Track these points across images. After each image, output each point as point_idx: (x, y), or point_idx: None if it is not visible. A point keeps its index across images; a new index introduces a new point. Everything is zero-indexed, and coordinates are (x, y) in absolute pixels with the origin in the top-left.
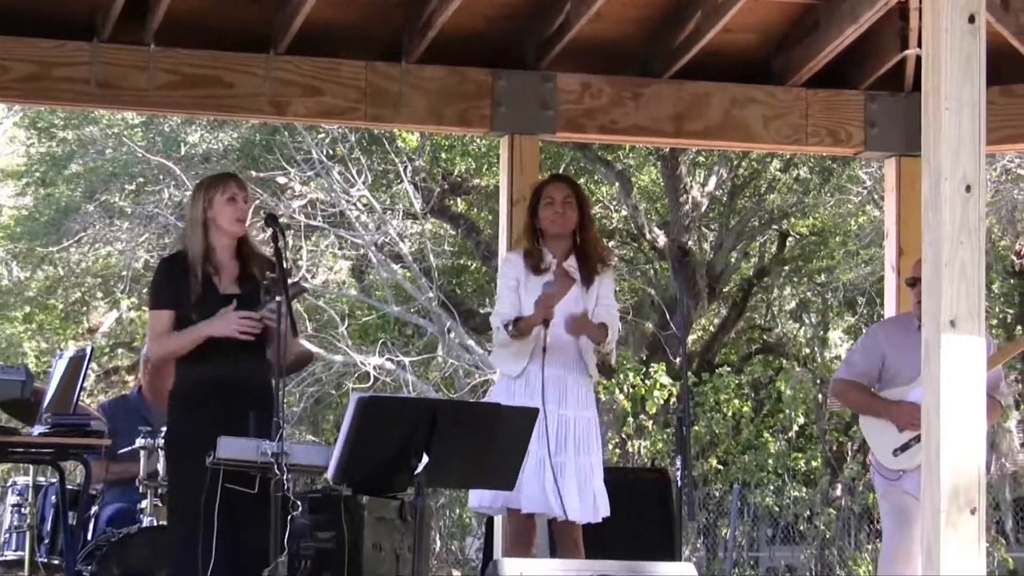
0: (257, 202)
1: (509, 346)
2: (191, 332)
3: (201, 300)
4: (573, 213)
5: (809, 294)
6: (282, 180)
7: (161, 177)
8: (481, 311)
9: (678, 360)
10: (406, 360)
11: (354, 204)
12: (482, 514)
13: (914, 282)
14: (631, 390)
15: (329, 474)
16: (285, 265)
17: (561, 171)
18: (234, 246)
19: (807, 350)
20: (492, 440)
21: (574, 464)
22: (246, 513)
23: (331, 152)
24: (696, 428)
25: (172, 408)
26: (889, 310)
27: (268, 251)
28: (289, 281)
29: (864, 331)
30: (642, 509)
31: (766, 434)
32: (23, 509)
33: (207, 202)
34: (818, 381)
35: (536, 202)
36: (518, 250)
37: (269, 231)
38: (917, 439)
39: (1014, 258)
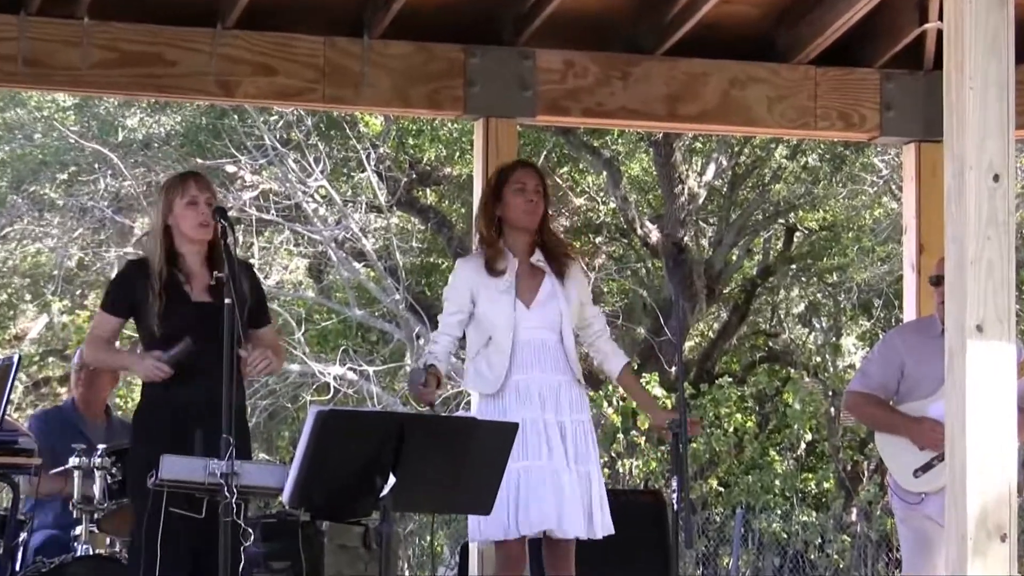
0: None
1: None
2: (118, 358)
3: (168, 310)
4: (543, 205)
5: (819, 296)
6: (231, 169)
7: (96, 166)
8: None
9: (673, 370)
10: (370, 370)
11: (311, 196)
12: (455, 542)
13: (938, 281)
14: (621, 403)
15: (284, 497)
16: (235, 264)
17: (542, 159)
18: (204, 252)
19: (817, 358)
20: (467, 458)
21: (573, 473)
22: (197, 541)
23: (285, 138)
24: (694, 445)
25: (135, 435)
26: (909, 313)
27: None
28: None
29: (880, 337)
30: (635, 535)
31: (772, 452)
32: None
33: (167, 207)
34: (830, 393)
35: (500, 188)
36: (473, 256)
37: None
38: (940, 458)
39: None
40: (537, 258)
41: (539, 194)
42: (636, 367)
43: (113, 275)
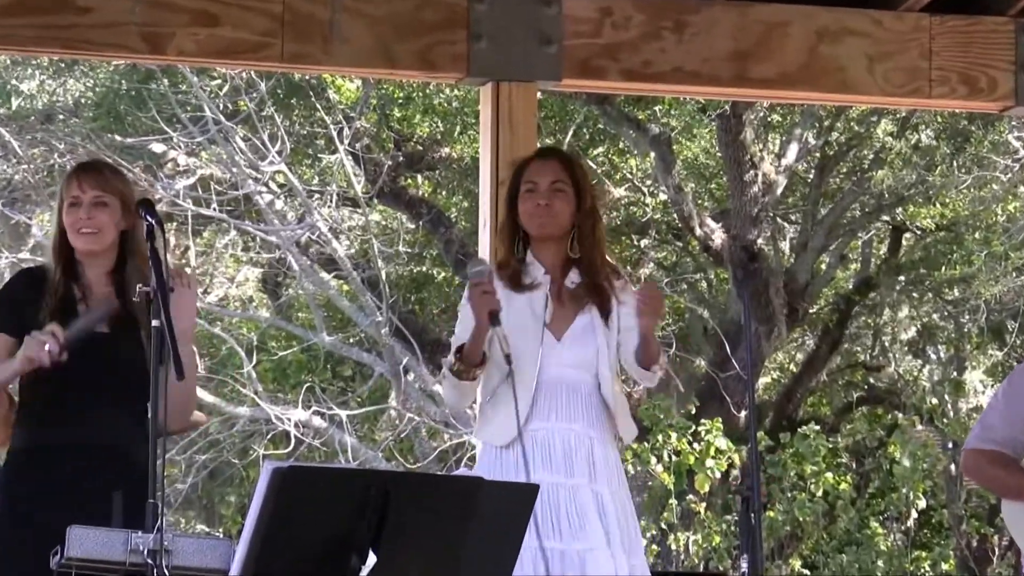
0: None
1: (463, 394)
2: (5, 369)
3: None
4: (565, 205)
5: (936, 317)
6: (159, 148)
7: None
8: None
9: (743, 415)
10: (343, 414)
11: (265, 184)
12: None
13: None
14: (673, 459)
15: None
16: (165, 273)
17: (570, 136)
18: (109, 262)
19: (933, 399)
20: (470, 532)
21: (622, 566)
22: None
23: (231, 109)
24: (770, 514)
25: (3, 477)
26: None
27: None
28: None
29: (1012, 372)
30: None
31: (874, 523)
32: None
33: (59, 205)
34: (949, 445)
35: (516, 188)
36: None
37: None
38: None
39: None
40: (573, 279)
41: (556, 192)
42: (694, 411)
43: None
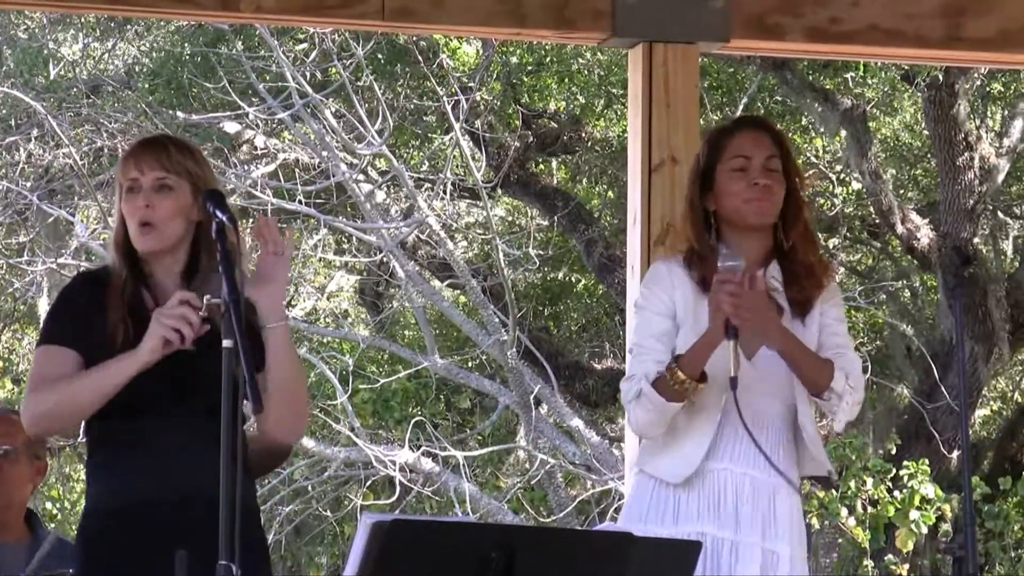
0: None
1: (664, 416)
2: (100, 377)
3: (128, 345)
4: (781, 188)
5: None
6: (231, 128)
7: (14, 122)
8: (598, 366)
9: (955, 455)
10: (459, 455)
11: (363, 171)
12: None
13: None
14: (869, 510)
15: None
16: (239, 280)
17: (740, 110)
18: (182, 261)
19: None
20: None
21: None
22: None
23: (320, 78)
24: None
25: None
26: None
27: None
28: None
29: None
30: None
31: None
32: None
33: (119, 191)
34: None
35: (712, 165)
36: (674, 257)
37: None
38: None
39: None
40: (772, 274)
41: (773, 174)
42: (894, 450)
43: (56, 295)
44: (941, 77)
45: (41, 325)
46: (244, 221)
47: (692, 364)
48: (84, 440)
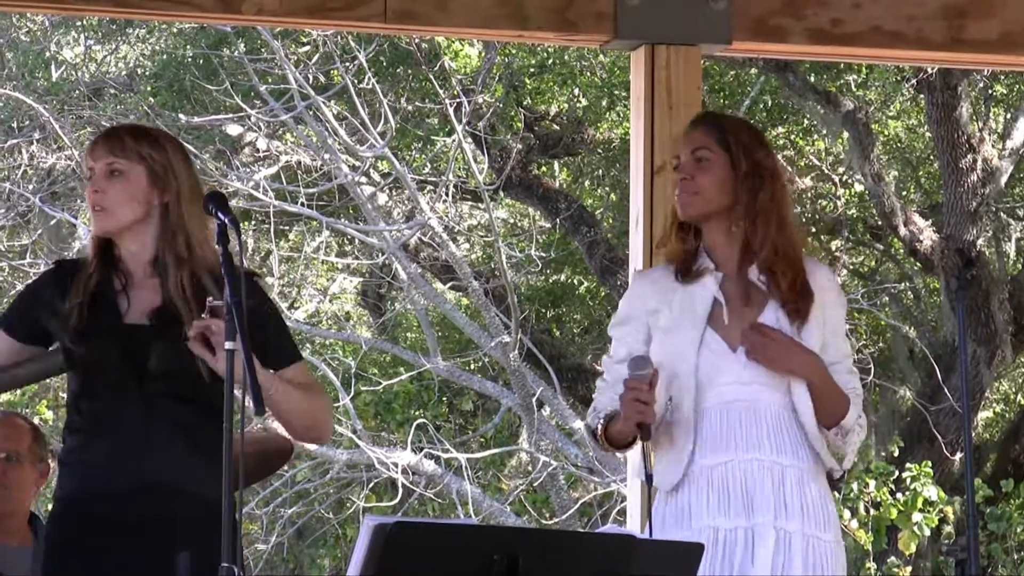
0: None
1: (605, 455)
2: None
3: (87, 329)
4: (711, 176)
5: None
6: (234, 130)
7: (15, 125)
8: (601, 368)
9: (958, 457)
10: (461, 457)
11: (365, 173)
12: None
13: None
14: (871, 512)
15: None
16: (241, 284)
17: (742, 112)
18: (147, 251)
19: None
20: None
21: None
22: None
23: (322, 81)
24: None
25: (48, 544)
26: None
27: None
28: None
29: None
30: None
31: None
32: None
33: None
34: None
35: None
36: (659, 267)
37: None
38: None
39: None
40: (756, 274)
41: (700, 163)
42: (896, 453)
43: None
44: (942, 79)
45: None
46: (246, 223)
47: (614, 440)
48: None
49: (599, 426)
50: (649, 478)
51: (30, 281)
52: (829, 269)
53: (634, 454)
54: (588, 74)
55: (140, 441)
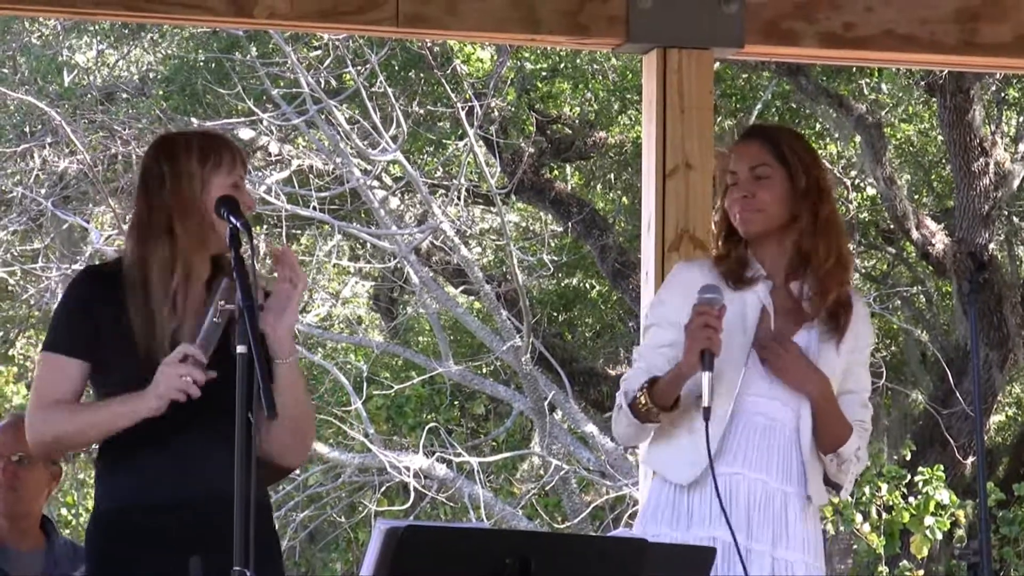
0: None
1: (640, 433)
2: (105, 414)
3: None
4: (772, 193)
5: None
6: (245, 134)
7: (27, 129)
8: (612, 372)
9: (970, 461)
10: (473, 461)
11: (377, 177)
12: None
13: None
14: (883, 516)
15: None
16: (254, 287)
17: (755, 116)
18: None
19: None
20: None
21: None
22: None
23: (334, 85)
24: None
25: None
26: None
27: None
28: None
29: None
30: None
31: None
32: None
33: (202, 181)
34: None
35: (724, 185)
36: (702, 262)
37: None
38: None
39: None
40: (800, 289)
41: (760, 181)
42: (909, 457)
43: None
44: (954, 83)
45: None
46: (258, 227)
47: (661, 394)
48: None
49: (642, 387)
50: (707, 412)
51: (80, 290)
52: (864, 301)
53: (644, 452)
54: (600, 77)
55: (200, 454)
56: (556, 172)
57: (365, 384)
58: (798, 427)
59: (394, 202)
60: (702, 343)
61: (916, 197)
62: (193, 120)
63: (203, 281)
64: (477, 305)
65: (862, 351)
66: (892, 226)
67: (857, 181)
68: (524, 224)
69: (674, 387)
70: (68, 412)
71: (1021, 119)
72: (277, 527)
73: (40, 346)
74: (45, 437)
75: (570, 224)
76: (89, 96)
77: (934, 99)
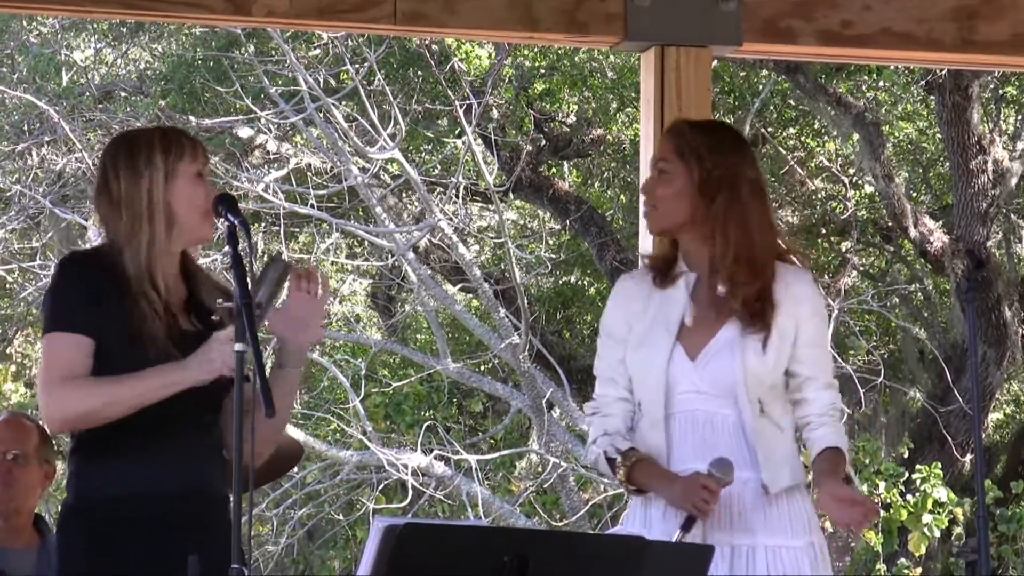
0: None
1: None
2: (147, 380)
3: (155, 330)
4: (670, 187)
5: None
6: (244, 132)
7: (25, 127)
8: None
9: (968, 459)
10: (471, 459)
11: (375, 175)
12: None
13: None
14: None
15: None
16: (251, 285)
17: (752, 114)
18: (178, 257)
19: None
20: None
21: None
22: None
23: (332, 83)
24: None
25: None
26: None
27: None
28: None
29: None
30: None
31: None
32: None
33: (168, 172)
34: None
35: None
36: (641, 270)
37: (222, 225)
38: None
39: None
40: (720, 285)
41: (661, 176)
42: (907, 455)
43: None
44: (952, 81)
45: (46, 311)
46: (256, 225)
47: (638, 483)
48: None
49: (624, 461)
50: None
51: (75, 271)
52: (810, 278)
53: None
54: (598, 76)
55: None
56: (554, 170)
57: (363, 382)
58: (740, 418)
59: (392, 200)
60: (692, 511)
61: (914, 195)
62: (191, 118)
63: (174, 273)
64: (475, 303)
65: (809, 332)
66: (890, 224)
67: (855, 179)
68: (522, 222)
69: (648, 486)
70: (92, 385)
71: (1019, 117)
72: (275, 524)
73: (34, 343)
74: (69, 413)
75: (568, 222)
76: (87, 95)
77: (932, 97)
